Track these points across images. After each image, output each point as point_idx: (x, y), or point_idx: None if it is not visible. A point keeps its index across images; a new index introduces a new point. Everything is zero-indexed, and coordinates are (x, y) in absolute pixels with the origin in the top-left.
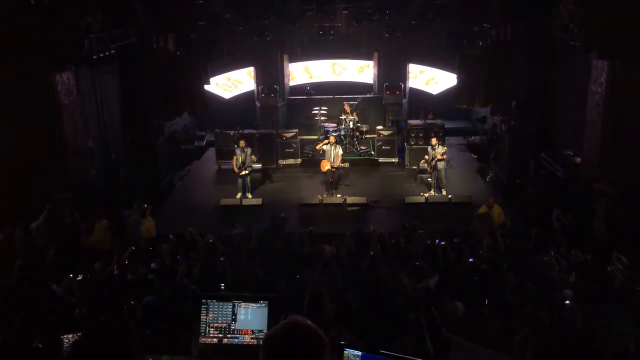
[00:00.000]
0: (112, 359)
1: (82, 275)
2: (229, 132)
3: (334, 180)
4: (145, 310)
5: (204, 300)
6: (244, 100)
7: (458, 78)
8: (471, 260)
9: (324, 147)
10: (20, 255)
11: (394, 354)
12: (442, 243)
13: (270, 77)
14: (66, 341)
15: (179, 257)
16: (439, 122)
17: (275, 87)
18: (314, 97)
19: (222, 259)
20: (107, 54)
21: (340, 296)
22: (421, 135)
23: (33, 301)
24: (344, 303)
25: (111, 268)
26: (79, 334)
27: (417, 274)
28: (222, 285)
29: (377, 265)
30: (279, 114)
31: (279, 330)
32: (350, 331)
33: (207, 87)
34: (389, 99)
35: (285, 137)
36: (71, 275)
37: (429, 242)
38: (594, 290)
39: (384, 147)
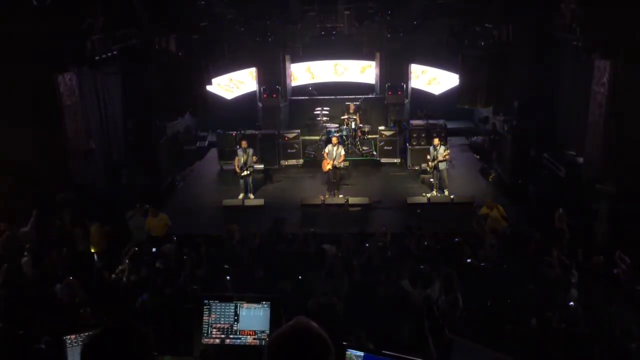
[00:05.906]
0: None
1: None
2: (230, 132)
3: (336, 180)
4: (140, 309)
5: (205, 301)
6: (245, 100)
7: (460, 78)
8: (468, 260)
9: (326, 149)
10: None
11: (396, 354)
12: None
13: (272, 77)
14: (68, 341)
15: (184, 257)
16: (440, 122)
17: (277, 87)
18: (315, 97)
19: (226, 266)
20: (109, 54)
21: (346, 298)
22: (423, 135)
23: (36, 302)
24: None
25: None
26: (85, 334)
27: (420, 279)
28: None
29: (378, 266)
30: (280, 114)
31: (285, 331)
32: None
33: (208, 88)
34: (390, 99)
35: (287, 137)
36: (71, 278)
37: (432, 242)
38: (597, 290)
39: (385, 147)
